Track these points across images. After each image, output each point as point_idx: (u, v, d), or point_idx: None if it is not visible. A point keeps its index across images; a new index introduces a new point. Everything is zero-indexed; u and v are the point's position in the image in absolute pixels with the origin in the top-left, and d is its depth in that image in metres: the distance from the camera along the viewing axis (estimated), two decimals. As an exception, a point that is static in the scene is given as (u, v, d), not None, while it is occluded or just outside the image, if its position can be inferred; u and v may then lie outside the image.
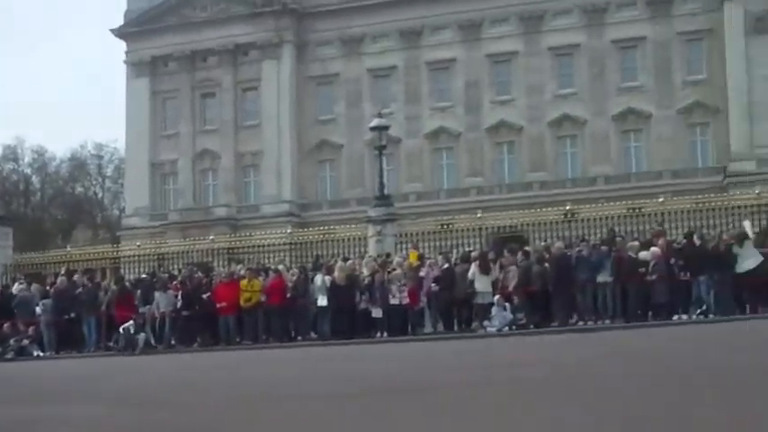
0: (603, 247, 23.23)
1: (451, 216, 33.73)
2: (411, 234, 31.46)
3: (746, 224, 24.72)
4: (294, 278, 25.17)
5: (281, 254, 33.27)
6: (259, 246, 35.27)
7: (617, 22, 60.13)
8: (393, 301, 23.49)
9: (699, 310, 21.78)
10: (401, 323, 23.70)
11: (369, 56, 65.33)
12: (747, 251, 21.96)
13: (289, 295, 24.71)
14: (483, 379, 10.05)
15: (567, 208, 31.36)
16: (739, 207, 30.12)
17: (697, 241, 22.65)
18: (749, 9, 55.63)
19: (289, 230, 38.59)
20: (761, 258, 21.85)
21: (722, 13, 56.72)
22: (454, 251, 27.38)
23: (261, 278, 25.46)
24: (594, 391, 7.84)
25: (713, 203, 31.04)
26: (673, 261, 22.27)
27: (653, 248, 22.58)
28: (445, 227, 31.67)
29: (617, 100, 59.45)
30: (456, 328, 23.69)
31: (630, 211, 30.75)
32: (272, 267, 27.22)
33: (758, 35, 55.34)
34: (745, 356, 10.93)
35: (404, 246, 29.83)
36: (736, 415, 5.75)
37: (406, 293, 23.57)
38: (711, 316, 21.41)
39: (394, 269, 24.42)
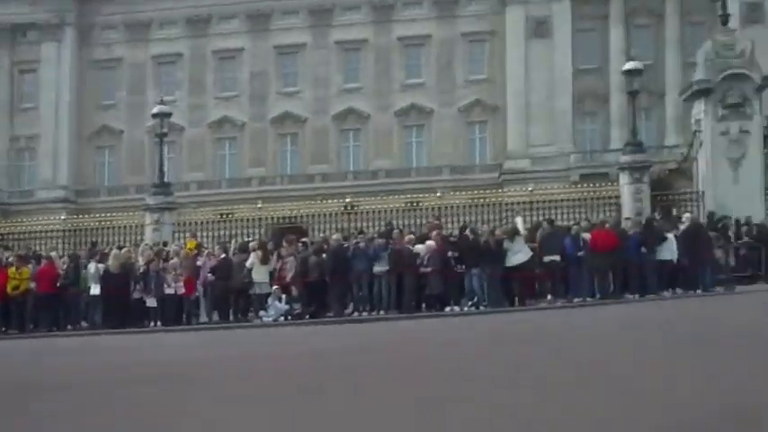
0: (380, 240, 23.41)
1: (232, 206, 33.31)
2: (190, 223, 30.96)
3: (518, 220, 25.58)
4: (65, 266, 24.29)
5: (55, 241, 32.06)
6: (31, 232, 33.84)
7: (404, 20, 61.17)
8: (168, 291, 23.02)
9: (471, 302, 22.28)
10: (176, 312, 23.25)
11: (154, 42, 64.03)
12: (518, 246, 22.64)
13: (59, 283, 23.80)
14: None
15: (347, 201, 31.54)
16: (513, 203, 31.21)
17: (470, 235, 23.19)
18: (530, 14, 57.81)
19: (63, 217, 37.20)
20: (530, 253, 22.62)
21: (504, 16, 58.60)
22: (233, 241, 27.05)
23: (30, 265, 24.40)
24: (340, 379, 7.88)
25: (488, 199, 31.98)
26: (450, 254, 22.66)
27: (428, 242, 22.95)
28: (225, 216, 31.27)
29: (401, 96, 60.45)
30: (232, 317, 23.39)
31: (409, 205, 31.22)
32: (44, 254, 26.19)
33: (537, 39, 57.53)
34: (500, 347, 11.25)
35: (182, 235, 29.30)
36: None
37: (181, 283, 23.13)
38: (482, 308, 21.94)
39: (170, 258, 23.94)
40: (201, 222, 31.11)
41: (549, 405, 5.67)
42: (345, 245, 23.47)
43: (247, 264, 23.11)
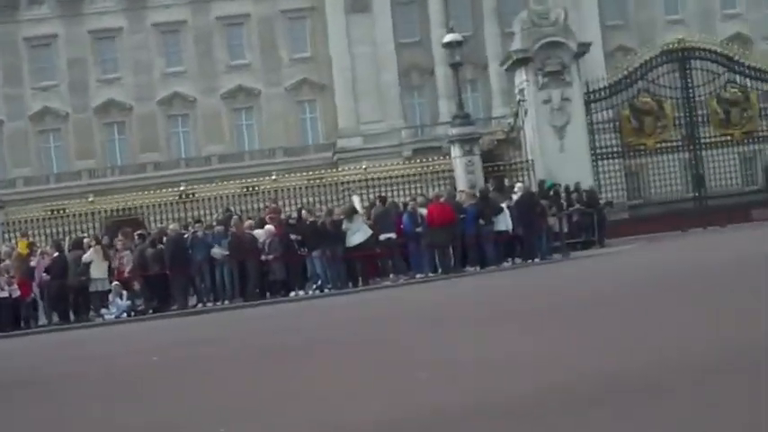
0: (219, 227, 23.11)
1: (63, 201, 32.20)
2: (19, 222, 29.80)
3: (355, 199, 25.61)
4: None
5: None
6: None
7: (222, -1, 59.99)
8: (2, 294, 22.13)
9: (315, 286, 22.32)
10: (13, 317, 22.35)
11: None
12: (356, 225, 22.75)
13: None
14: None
15: (182, 189, 30.99)
16: (349, 183, 31.29)
17: (308, 217, 23.16)
18: (348, -13, 57.59)
19: None
20: (370, 232, 22.77)
21: (323, -10, 58.24)
22: (67, 238, 26.22)
23: None
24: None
25: (324, 179, 31.97)
26: (293, 237, 22.55)
27: (267, 226, 22.84)
28: (56, 213, 30.23)
29: (227, 78, 59.52)
30: (72, 318, 22.72)
31: (246, 189, 30.93)
32: None
33: (357, 13, 57.47)
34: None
35: (12, 235, 28.25)
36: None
37: (15, 285, 22.27)
38: (327, 290, 22.01)
39: (2, 260, 23.03)
40: (31, 220, 29.95)
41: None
42: (184, 235, 23.12)
43: (83, 259, 22.48)
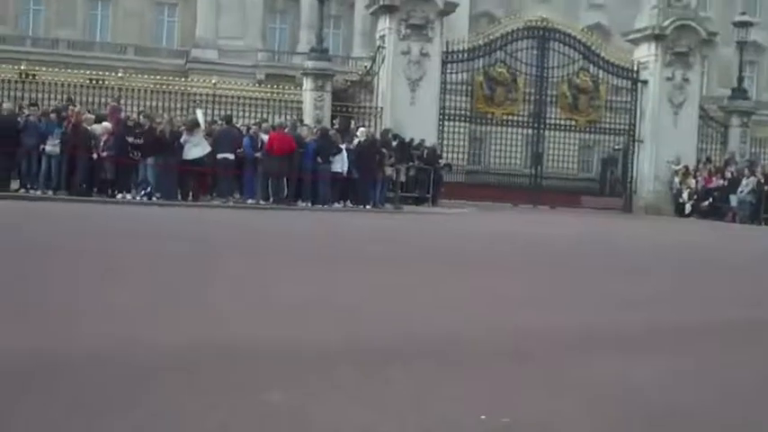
0: (53, 115, 22.34)
1: None
2: None
3: (199, 113, 25.21)
4: None
5: None
6: None
7: None
8: None
9: (143, 192, 21.95)
10: None
11: None
12: (196, 139, 22.47)
13: None
14: None
15: (23, 68, 29.79)
16: (196, 95, 30.80)
17: (147, 122, 22.64)
18: None
19: None
20: (208, 149, 22.54)
21: None
22: None
23: None
24: None
25: (172, 87, 31.37)
26: (130, 140, 22.04)
27: (104, 123, 22.28)
28: None
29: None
30: None
31: (90, 82, 30.01)
32: None
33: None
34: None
35: None
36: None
37: None
38: (155, 198, 21.70)
39: None
40: None
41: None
42: (17, 117, 22.28)
43: None
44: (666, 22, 33.01)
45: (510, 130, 34.31)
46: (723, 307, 8.64)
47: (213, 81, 31.64)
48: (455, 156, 32.74)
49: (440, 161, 29.11)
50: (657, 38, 33.08)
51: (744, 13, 38.64)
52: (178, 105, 29.97)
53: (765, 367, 5.77)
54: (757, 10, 63.07)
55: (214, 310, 6.52)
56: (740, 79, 37.17)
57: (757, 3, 64.56)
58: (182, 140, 22.29)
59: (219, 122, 24.57)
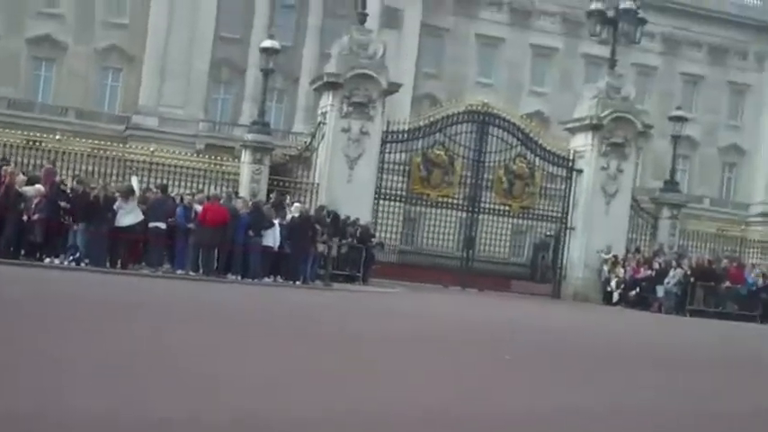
0: (-16, 175, 22.09)
1: None
2: None
3: (134, 180, 25.17)
4: None
5: None
6: None
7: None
8: None
9: (72, 257, 21.75)
10: None
11: None
12: (130, 206, 22.40)
13: None
14: None
15: (-42, 125, 29.55)
16: (134, 161, 30.73)
17: (80, 187, 22.48)
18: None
19: None
20: (141, 216, 22.46)
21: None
22: None
23: None
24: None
25: (110, 152, 31.30)
26: (63, 204, 21.90)
27: (37, 185, 22.09)
28: None
29: (35, 23, 56.84)
30: None
31: (28, 143, 29.86)
32: None
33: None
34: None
35: None
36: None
37: None
38: (84, 264, 21.50)
39: None
40: None
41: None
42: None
43: None
44: (604, 113, 33.69)
45: (444, 212, 34.61)
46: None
47: (151, 149, 31.63)
48: (389, 235, 32.95)
49: (372, 240, 29.22)
50: (595, 128, 33.71)
51: (679, 108, 39.61)
52: (114, 171, 29.87)
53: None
54: (693, 106, 64.88)
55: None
56: (673, 172, 38.05)
57: (693, 99, 66.36)
58: (115, 207, 22.19)
59: (154, 191, 24.49)
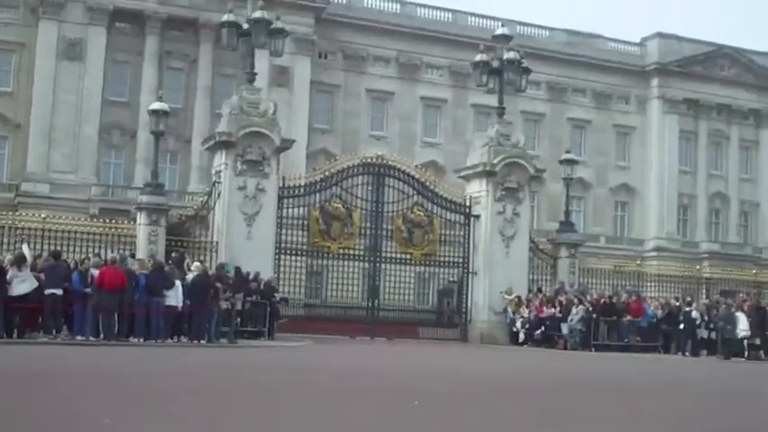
0: None
1: None
2: None
3: (25, 247, 24.59)
4: None
5: None
6: None
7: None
8: None
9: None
10: None
11: None
12: (24, 274, 21.76)
13: None
14: None
15: None
16: (25, 229, 29.88)
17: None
18: (63, 33, 55.47)
19: None
20: (36, 284, 21.82)
21: (37, 30, 55.90)
22: None
23: None
24: None
25: (0, 221, 30.45)
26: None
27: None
28: None
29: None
30: None
31: None
32: None
33: (68, 60, 55.52)
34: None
35: None
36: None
37: None
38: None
39: None
40: None
41: None
42: None
43: None
44: (497, 160, 34.10)
45: (347, 263, 34.46)
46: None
47: (43, 215, 30.88)
48: (293, 289, 32.70)
49: (276, 294, 28.92)
50: (488, 174, 34.10)
51: (569, 152, 40.40)
52: (6, 240, 29.01)
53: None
54: (582, 149, 66.50)
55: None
56: (567, 213, 38.71)
57: (582, 142, 68.07)
58: (8, 276, 21.49)
59: (46, 257, 23.79)
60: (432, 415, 10.07)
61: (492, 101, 38.57)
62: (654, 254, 66.16)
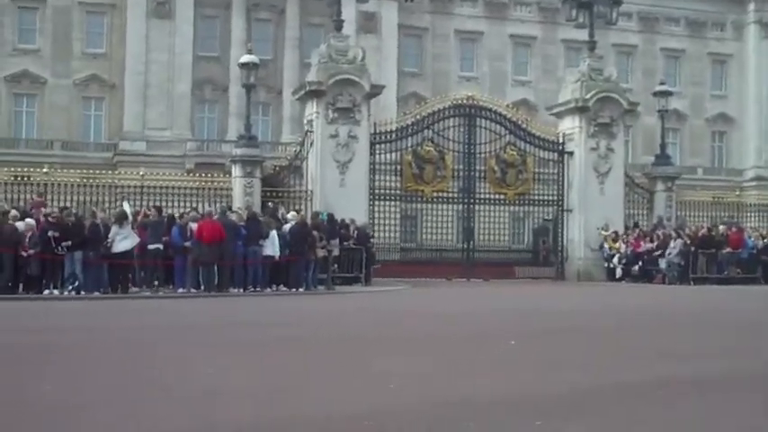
0: (-22, 213, 21.91)
1: None
2: None
3: (125, 204, 24.97)
4: None
5: None
6: None
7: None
8: None
9: (71, 287, 21.53)
10: None
11: None
12: (125, 231, 22.17)
13: None
14: None
15: (-54, 167, 29.37)
16: (125, 186, 30.55)
17: (72, 218, 22.25)
18: (154, -8, 56.43)
19: None
20: (137, 240, 22.23)
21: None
22: None
23: None
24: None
25: (99, 180, 31.13)
26: (50, 234, 21.65)
27: (28, 220, 21.91)
28: None
29: (12, 61, 56.69)
30: None
31: (16, 179, 29.70)
32: None
33: (159, 19, 56.28)
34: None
35: None
36: None
37: None
38: (83, 293, 21.30)
39: None
40: None
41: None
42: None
43: None
44: (589, 95, 33.66)
45: (441, 206, 34.51)
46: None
47: (141, 173, 31.50)
48: (387, 234, 32.83)
49: (371, 240, 29.09)
50: (581, 110, 33.69)
51: (663, 83, 39.57)
52: (106, 198, 29.66)
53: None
54: (677, 80, 64.94)
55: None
56: (663, 146, 37.96)
57: (677, 73, 66.46)
58: (111, 234, 21.98)
59: (149, 213, 24.28)
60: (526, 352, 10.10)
61: (582, 35, 37.96)
62: (753, 183, 64.39)
